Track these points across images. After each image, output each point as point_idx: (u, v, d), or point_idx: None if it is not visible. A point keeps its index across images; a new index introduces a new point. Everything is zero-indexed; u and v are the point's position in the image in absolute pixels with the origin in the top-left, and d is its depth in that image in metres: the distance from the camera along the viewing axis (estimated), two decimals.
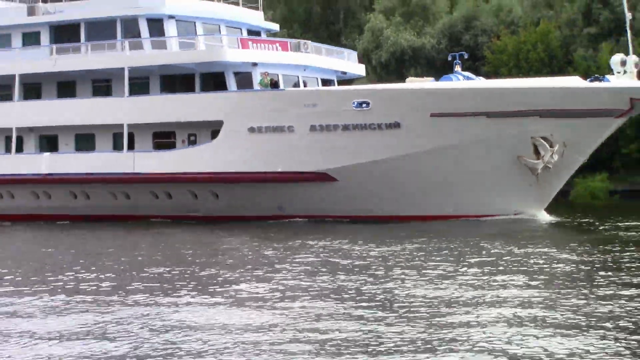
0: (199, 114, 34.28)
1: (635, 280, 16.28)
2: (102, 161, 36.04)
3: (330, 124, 31.74)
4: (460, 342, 10.62)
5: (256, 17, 40.78)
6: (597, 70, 45.26)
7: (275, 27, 42.43)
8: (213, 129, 34.09)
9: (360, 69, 40.45)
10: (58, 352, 10.73)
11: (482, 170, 30.65)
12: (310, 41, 38.63)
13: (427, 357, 9.86)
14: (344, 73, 39.35)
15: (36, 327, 12.73)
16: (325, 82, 38.41)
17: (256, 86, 35.01)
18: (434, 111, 30.25)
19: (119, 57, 36.12)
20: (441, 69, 49.90)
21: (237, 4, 40.21)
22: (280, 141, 32.50)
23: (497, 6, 61.97)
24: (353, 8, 70.63)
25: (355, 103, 31.40)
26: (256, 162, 32.75)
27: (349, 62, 39.70)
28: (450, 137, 30.30)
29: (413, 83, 32.30)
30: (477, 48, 57.52)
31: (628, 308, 13.07)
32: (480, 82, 33.27)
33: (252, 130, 32.86)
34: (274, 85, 34.70)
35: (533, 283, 15.98)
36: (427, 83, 31.96)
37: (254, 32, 39.32)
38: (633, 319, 12.17)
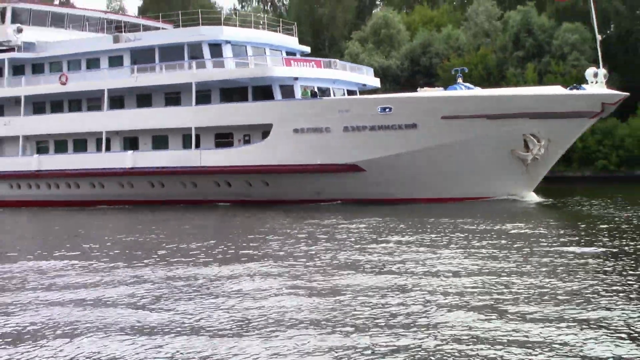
0: (253, 119, 33.91)
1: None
2: (175, 157, 35.63)
3: (360, 125, 31.31)
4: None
5: (292, 41, 40.32)
6: (525, 83, 48.15)
7: (307, 49, 41.85)
8: (263, 130, 33.68)
9: (376, 82, 39.91)
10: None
11: (483, 161, 30.27)
12: (338, 60, 38.20)
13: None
14: (364, 85, 38.91)
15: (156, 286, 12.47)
16: (350, 92, 38.03)
17: (298, 96, 34.63)
18: (444, 114, 29.83)
19: (188, 74, 35.70)
20: (405, 84, 54.82)
21: (276, 31, 39.79)
22: (319, 139, 32.08)
23: (447, 35, 64.14)
24: (336, 38, 73.75)
25: (380, 108, 30.97)
26: (299, 157, 32.36)
27: (367, 76, 39.20)
28: (457, 135, 29.87)
29: (427, 92, 31.75)
30: (431, 67, 61.03)
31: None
32: (481, 91, 32.82)
33: (296, 131, 32.44)
34: (314, 95, 34.28)
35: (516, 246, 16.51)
36: (438, 92, 31.46)
37: (291, 53, 38.84)
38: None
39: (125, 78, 37.98)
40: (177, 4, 69.31)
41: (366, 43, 65.62)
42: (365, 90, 39.66)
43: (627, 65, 54.47)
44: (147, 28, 43.63)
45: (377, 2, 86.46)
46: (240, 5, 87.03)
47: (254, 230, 22.98)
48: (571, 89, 29.80)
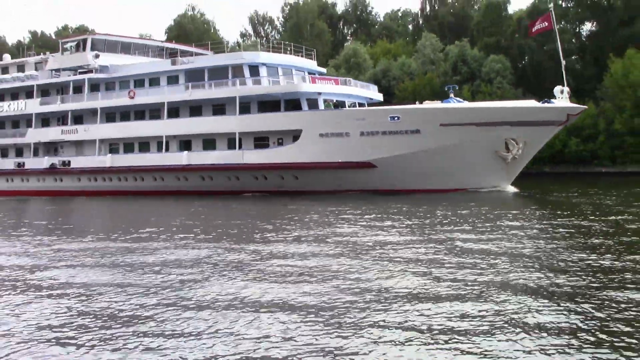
0: (285, 125, 32.28)
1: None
2: (222, 156, 33.92)
3: (373, 131, 29.71)
4: None
5: (312, 64, 38.57)
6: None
7: (324, 70, 40.18)
8: (294, 135, 32.03)
9: (379, 96, 38.24)
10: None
11: (472, 160, 28.79)
12: (351, 79, 36.51)
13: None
14: (371, 99, 37.24)
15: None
16: (360, 105, 36.30)
17: (321, 107, 32.97)
18: (442, 122, 28.31)
19: (233, 90, 33.99)
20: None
21: (301, 55, 38.14)
22: (340, 142, 30.49)
23: (402, 63, 64.04)
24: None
25: (390, 117, 29.36)
26: (324, 156, 30.76)
27: (373, 92, 37.54)
28: (452, 139, 28.36)
29: (428, 104, 30.13)
30: (390, 88, 59.38)
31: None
32: (471, 104, 31.34)
33: (321, 135, 30.82)
34: (336, 106, 32.62)
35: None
36: (437, 104, 29.83)
37: (312, 73, 37.09)
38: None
39: (181, 93, 36.29)
40: (193, 38, 66.92)
41: (339, 69, 64.46)
42: (372, 102, 37.99)
43: (539, 87, 53.84)
44: (186, 53, 41.99)
45: (348, 38, 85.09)
46: (242, 40, 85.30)
47: (291, 213, 21.48)
48: (543, 102, 28.32)
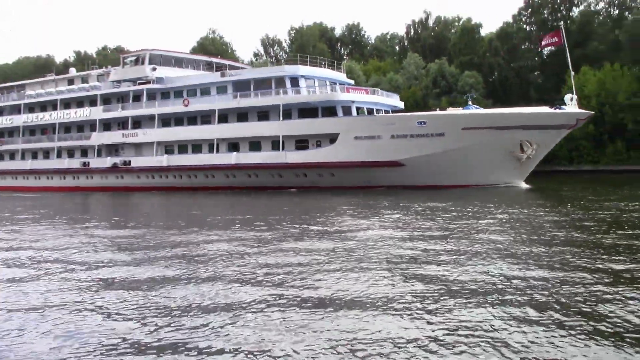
0: (324, 130, 33.56)
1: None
2: (267, 156, 35.28)
3: (403, 134, 30.93)
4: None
5: (342, 76, 39.93)
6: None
7: (352, 81, 41.42)
8: (331, 138, 33.34)
9: (401, 104, 39.41)
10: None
11: (490, 159, 29.82)
12: (378, 89, 37.79)
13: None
14: (395, 106, 38.43)
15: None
16: (386, 111, 37.45)
17: (354, 114, 34.28)
18: (464, 126, 29.44)
19: (277, 98, 35.38)
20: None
21: (333, 69, 39.48)
22: (372, 144, 31.72)
23: (390, 79, 65.28)
24: None
25: (418, 122, 30.59)
26: (358, 156, 32.03)
27: (396, 100, 38.72)
28: (473, 141, 29.46)
29: (452, 110, 31.30)
30: None
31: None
32: (490, 110, 32.44)
33: (356, 138, 32.10)
34: (370, 113, 33.93)
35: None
36: (459, 110, 30.98)
37: (342, 84, 38.35)
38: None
39: (229, 101, 37.78)
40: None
41: None
42: (395, 109, 39.19)
43: (507, 99, 57.25)
44: (229, 67, 43.76)
45: (344, 57, 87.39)
46: (255, 59, 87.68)
47: (322, 207, 22.73)
48: (555, 108, 29.33)
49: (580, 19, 59.84)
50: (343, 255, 9.62)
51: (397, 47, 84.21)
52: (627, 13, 57.80)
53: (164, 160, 39.37)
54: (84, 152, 45.67)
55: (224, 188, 36.69)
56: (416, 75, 64.64)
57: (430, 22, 77.53)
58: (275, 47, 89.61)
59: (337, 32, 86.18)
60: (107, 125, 44.58)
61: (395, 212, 17.70)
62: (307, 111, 35.29)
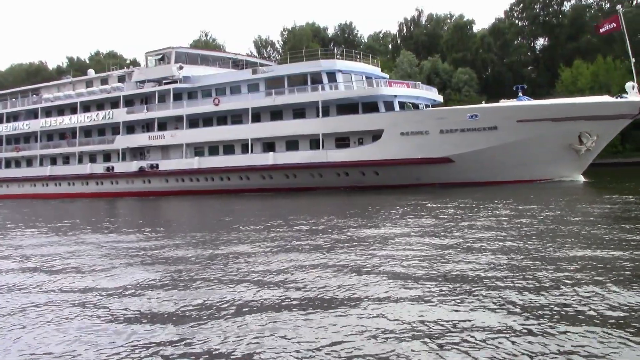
0: (367, 126, 33.12)
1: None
2: (306, 155, 34.85)
3: (453, 129, 30.48)
4: None
5: (378, 70, 39.56)
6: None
7: (387, 75, 41.01)
8: (374, 134, 32.92)
9: (440, 98, 38.97)
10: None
11: (547, 152, 29.31)
12: (419, 82, 37.33)
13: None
14: (435, 100, 38.00)
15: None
16: (426, 106, 37.02)
17: (396, 109, 33.87)
18: (519, 118, 28.95)
19: (316, 94, 34.93)
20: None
21: (368, 63, 39.07)
22: (420, 140, 31.26)
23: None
24: None
25: (469, 115, 30.13)
26: (404, 152, 31.60)
27: (435, 94, 38.30)
28: (528, 134, 28.96)
29: (505, 102, 30.82)
30: None
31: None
32: (547, 101, 31.89)
33: (402, 134, 31.67)
34: (415, 107, 33.51)
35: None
36: (514, 102, 30.50)
37: (378, 78, 37.87)
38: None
39: (263, 99, 37.42)
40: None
41: None
42: (435, 104, 38.75)
43: (501, 94, 57.54)
44: (254, 64, 43.43)
45: (337, 57, 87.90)
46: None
47: (366, 205, 22.31)
48: (617, 97, 28.83)
49: (571, 13, 61.77)
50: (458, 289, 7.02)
51: (390, 46, 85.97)
52: (618, 6, 59.79)
53: (194, 162, 39.05)
54: (107, 156, 45.41)
55: (258, 190, 36.32)
56: (410, 73, 65.38)
57: (423, 19, 79.55)
58: (268, 48, 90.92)
59: (330, 31, 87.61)
60: (130, 127, 44.32)
61: (479, 214, 17.17)
62: (346, 107, 34.87)
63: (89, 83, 48.53)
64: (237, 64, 44.79)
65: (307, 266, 8.83)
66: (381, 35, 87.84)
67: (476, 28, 71.60)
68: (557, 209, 16.32)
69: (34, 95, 52.02)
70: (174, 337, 5.61)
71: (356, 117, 33.79)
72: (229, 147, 38.91)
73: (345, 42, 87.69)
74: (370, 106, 34.14)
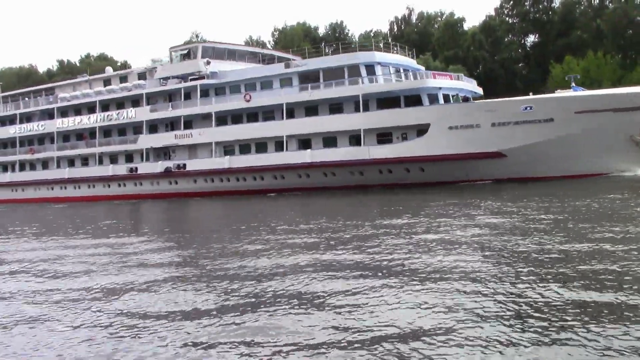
0: (411, 120, 32.66)
1: None
2: (347, 152, 34.32)
3: (505, 121, 30.03)
4: None
5: (414, 62, 39.19)
6: None
7: (422, 68, 40.58)
8: (419, 129, 32.48)
9: (480, 90, 38.51)
10: None
11: (606, 145, 28.82)
12: (461, 74, 36.87)
13: None
14: (475, 93, 37.58)
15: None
16: (466, 99, 36.59)
17: (441, 102, 33.44)
18: (578, 110, 28.49)
19: (356, 88, 34.43)
20: None
21: (405, 55, 38.64)
22: (470, 134, 30.81)
23: None
24: None
25: (523, 107, 29.69)
26: (452, 147, 31.16)
27: (474, 85, 37.86)
28: (587, 125, 28.48)
29: (562, 93, 30.36)
30: None
31: None
32: (607, 90, 31.45)
33: (450, 128, 31.23)
34: (465, 100, 33.08)
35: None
36: (571, 92, 30.04)
37: (414, 70, 37.48)
38: None
39: (296, 94, 36.95)
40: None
41: None
42: (476, 96, 38.24)
43: (493, 91, 58.50)
44: (281, 58, 43.17)
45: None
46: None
47: (412, 205, 21.87)
48: None
49: (561, 10, 63.57)
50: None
51: (381, 44, 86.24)
52: (607, 2, 61.94)
53: (225, 161, 38.62)
54: (129, 156, 45.01)
55: (293, 189, 35.88)
56: None
57: (413, 18, 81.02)
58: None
59: (321, 31, 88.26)
60: (152, 127, 43.91)
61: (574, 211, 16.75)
62: (386, 101, 34.42)
63: (107, 81, 48.10)
64: (263, 58, 44.35)
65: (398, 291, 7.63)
66: (372, 34, 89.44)
67: (467, 26, 73.41)
68: None
69: (47, 95, 51.64)
70: None
71: (401, 111, 33.33)
72: (261, 145, 38.43)
73: (336, 41, 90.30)
74: (412, 99, 33.70)
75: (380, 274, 8.64)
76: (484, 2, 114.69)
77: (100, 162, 46.08)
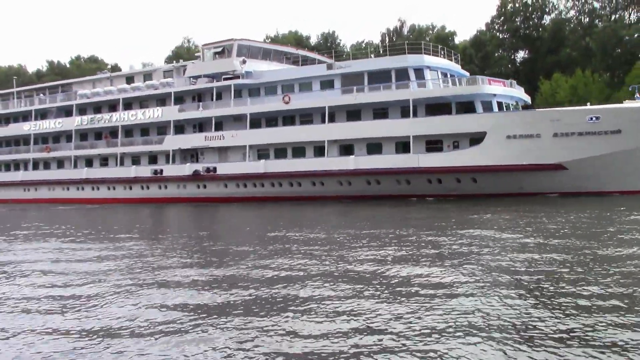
0: (464, 128, 32.09)
1: None
2: (394, 160, 33.66)
3: (569, 132, 29.53)
4: None
5: (459, 67, 38.78)
6: None
7: (466, 73, 40.09)
8: (472, 137, 31.92)
9: (528, 98, 37.96)
10: None
11: None
12: (514, 81, 36.41)
13: None
14: (524, 100, 37.08)
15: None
16: (526, 107, 36.02)
17: (495, 109, 32.95)
18: None
19: (403, 93, 33.87)
20: None
21: (450, 60, 38.14)
22: (529, 144, 30.27)
23: None
24: None
25: (589, 117, 29.20)
26: (509, 158, 30.62)
27: (522, 92, 37.15)
28: None
29: (631, 103, 29.88)
30: None
31: None
32: None
33: (509, 137, 30.69)
34: (525, 108, 32.55)
35: None
36: (639, 103, 29.56)
37: (460, 76, 37.01)
38: None
39: (339, 97, 36.37)
40: None
41: None
42: (525, 105, 37.67)
43: None
44: (313, 60, 43.06)
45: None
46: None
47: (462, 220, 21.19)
48: None
49: (551, 27, 64.94)
50: None
51: (372, 56, 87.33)
52: (597, 21, 63.18)
53: (260, 166, 37.94)
54: (152, 158, 44.32)
55: (334, 197, 35.20)
56: None
57: (405, 30, 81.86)
58: None
59: (313, 40, 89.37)
60: (178, 127, 43.26)
61: None
62: (436, 107, 33.91)
63: (130, 79, 47.53)
64: (299, 59, 43.68)
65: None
66: (364, 45, 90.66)
67: (458, 39, 74.31)
68: None
69: (63, 92, 51.03)
70: None
71: (454, 117, 32.77)
72: (298, 150, 37.81)
73: (328, 51, 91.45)
74: (464, 106, 33.20)
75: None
76: (475, 16, 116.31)
77: (122, 163, 45.35)
